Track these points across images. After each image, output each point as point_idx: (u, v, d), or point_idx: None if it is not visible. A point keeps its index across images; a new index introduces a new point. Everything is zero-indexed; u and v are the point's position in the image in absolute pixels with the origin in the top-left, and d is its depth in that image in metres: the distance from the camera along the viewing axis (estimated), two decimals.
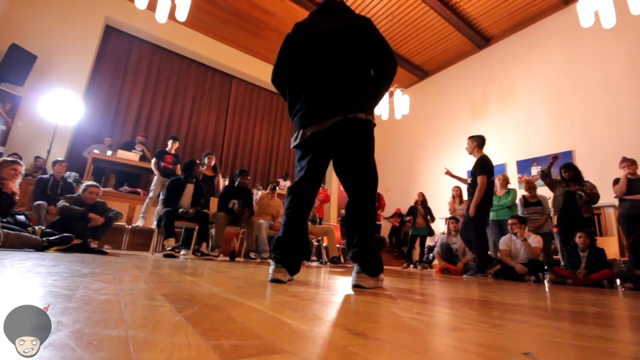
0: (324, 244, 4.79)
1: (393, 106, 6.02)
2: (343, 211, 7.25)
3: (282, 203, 4.47)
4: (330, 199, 6.36)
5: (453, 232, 4.87)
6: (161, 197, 4.31)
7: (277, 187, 4.50)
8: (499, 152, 6.38)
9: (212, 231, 3.71)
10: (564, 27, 5.88)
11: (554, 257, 4.35)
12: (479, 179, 3.64)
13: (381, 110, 5.91)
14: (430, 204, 7.17)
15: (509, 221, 4.03)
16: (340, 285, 1.60)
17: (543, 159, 5.75)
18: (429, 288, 1.87)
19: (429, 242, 6.83)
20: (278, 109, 8.78)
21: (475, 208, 3.58)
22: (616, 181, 3.92)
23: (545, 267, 4.00)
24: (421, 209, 5.69)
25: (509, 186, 4.76)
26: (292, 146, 1.61)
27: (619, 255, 4.32)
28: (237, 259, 3.77)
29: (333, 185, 8.86)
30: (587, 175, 4.54)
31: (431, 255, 6.12)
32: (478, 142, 3.77)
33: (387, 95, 5.90)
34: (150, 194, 4.69)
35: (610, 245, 4.47)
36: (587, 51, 5.62)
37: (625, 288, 3.39)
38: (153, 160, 4.87)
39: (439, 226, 6.78)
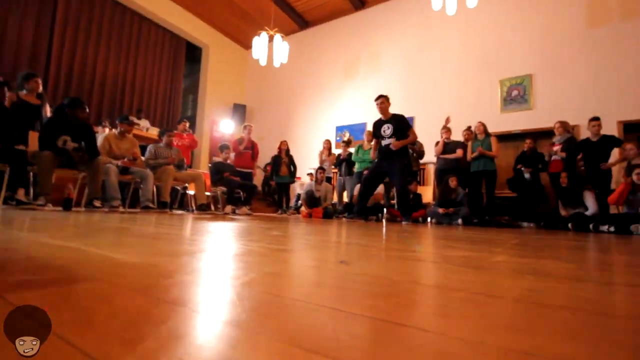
0: (192, 192, 4.51)
1: (272, 52, 5.78)
2: (215, 158, 6.91)
3: (136, 143, 3.86)
4: (198, 144, 5.87)
5: (319, 180, 5.36)
6: None
7: (131, 125, 3.82)
8: (363, 112, 7.18)
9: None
10: (420, 6, 6.76)
11: (392, 201, 5.42)
12: (413, 132, 3.84)
13: (259, 54, 5.60)
14: (302, 154, 7.61)
15: (365, 171, 4.72)
16: (192, 226, 1.57)
17: None
18: (282, 226, 2.05)
19: (298, 190, 7.35)
20: (132, 30, 7.13)
21: (400, 146, 3.70)
22: (437, 143, 5.06)
23: (385, 209, 4.98)
24: (285, 158, 5.90)
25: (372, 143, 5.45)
26: None
27: (432, 199, 5.73)
28: (74, 208, 3.13)
29: (205, 129, 8.21)
30: (422, 136, 5.68)
31: (299, 202, 6.63)
32: (389, 102, 3.93)
33: (266, 38, 5.59)
34: None
35: (428, 192, 5.87)
36: (433, 32, 6.69)
37: (432, 223, 4.61)
38: None
39: (303, 176, 7.30)
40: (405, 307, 0.40)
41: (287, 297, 0.41)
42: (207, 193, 4.70)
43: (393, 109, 3.78)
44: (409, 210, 3.91)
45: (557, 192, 4.07)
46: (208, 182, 4.94)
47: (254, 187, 4.99)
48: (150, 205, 3.62)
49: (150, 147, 4.07)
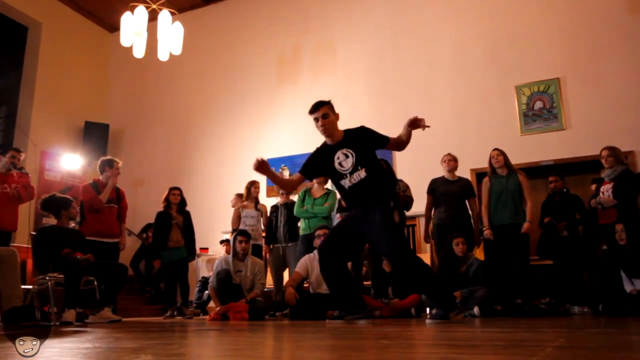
0: None
1: (155, 36, 5.77)
2: (47, 220, 6.36)
3: None
4: (35, 192, 5.36)
5: (240, 254, 5.19)
6: None
7: None
8: (310, 137, 7.31)
9: None
10: None
11: (365, 283, 5.39)
12: (394, 139, 3.69)
13: (132, 40, 5.53)
14: (210, 211, 7.38)
15: (318, 232, 4.69)
16: None
17: None
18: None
19: (204, 271, 7.03)
20: None
21: None
22: (433, 184, 5.27)
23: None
24: (177, 217, 5.70)
25: (327, 186, 5.51)
26: None
27: None
28: None
29: (29, 168, 7.59)
30: (406, 173, 5.88)
31: (205, 293, 6.31)
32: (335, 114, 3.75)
33: (144, 15, 5.57)
34: None
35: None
36: (413, 16, 7.31)
37: (432, 316, 4.61)
38: None
39: (215, 246, 7.10)
40: None
41: None
42: (27, 287, 4.33)
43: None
44: (445, 299, 3.47)
45: (616, 256, 4.37)
46: (30, 263, 4.68)
47: (122, 270, 4.70)
48: None
49: None
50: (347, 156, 3.54)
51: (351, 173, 3.50)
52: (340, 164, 3.55)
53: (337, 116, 3.66)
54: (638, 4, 6.12)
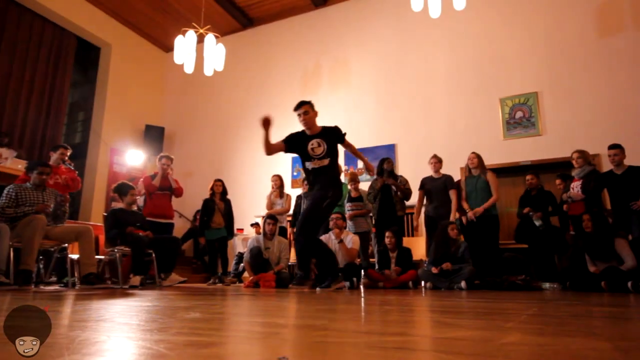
0: (75, 256, 4.18)
1: (202, 55, 5.88)
2: (115, 204, 6.56)
3: None
4: (80, 184, 5.32)
5: (269, 234, 5.26)
6: None
7: None
8: None
9: None
10: (396, 5, 7.38)
11: (371, 259, 5.42)
12: (350, 144, 4.05)
13: (184, 59, 5.66)
14: (246, 198, 7.49)
15: (333, 216, 4.74)
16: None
17: (369, 151, 7.05)
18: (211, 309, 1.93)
19: (240, 247, 7.12)
20: None
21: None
22: (422, 181, 5.28)
23: (362, 271, 4.95)
24: (220, 204, 5.82)
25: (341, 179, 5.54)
26: None
27: (425, 256, 5.82)
28: None
29: (100, 162, 7.87)
30: (406, 171, 5.90)
31: (241, 265, 6.39)
32: (315, 111, 3.93)
33: (194, 38, 5.70)
34: None
35: (420, 246, 5.97)
36: (415, 38, 7.26)
37: (426, 288, 4.63)
38: None
39: (247, 228, 7.17)
40: None
41: None
42: (100, 257, 4.42)
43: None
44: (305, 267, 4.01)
45: (582, 241, 4.32)
46: (102, 238, 4.67)
47: (175, 242, 4.84)
48: (1, 279, 3.27)
49: (8, 189, 3.79)
50: (319, 145, 3.75)
51: (320, 159, 3.72)
52: (312, 149, 3.74)
53: (315, 113, 3.86)
54: (606, 29, 6.00)
